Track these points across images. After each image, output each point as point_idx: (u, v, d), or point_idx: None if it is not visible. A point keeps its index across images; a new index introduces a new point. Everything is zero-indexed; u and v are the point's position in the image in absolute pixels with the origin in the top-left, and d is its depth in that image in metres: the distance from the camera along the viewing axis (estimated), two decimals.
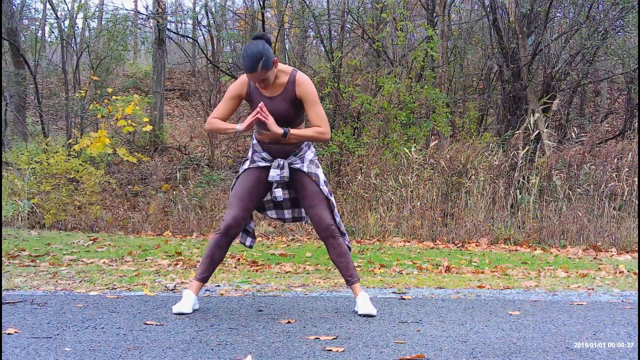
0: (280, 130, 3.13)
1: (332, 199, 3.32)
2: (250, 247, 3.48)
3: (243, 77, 3.22)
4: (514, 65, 10.11)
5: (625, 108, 12.56)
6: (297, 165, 3.26)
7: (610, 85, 14.38)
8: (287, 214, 3.46)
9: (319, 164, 3.47)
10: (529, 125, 8.45)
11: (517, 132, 8.52)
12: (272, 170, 3.22)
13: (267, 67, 3.03)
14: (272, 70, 3.07)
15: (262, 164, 3.27)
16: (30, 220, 8.33)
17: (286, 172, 3.23)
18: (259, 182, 3.28)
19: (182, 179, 9.95)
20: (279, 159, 3.24)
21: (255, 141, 3.32)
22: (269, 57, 3.02)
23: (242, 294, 3.93)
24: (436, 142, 8.80)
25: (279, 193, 3.26)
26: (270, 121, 3.12)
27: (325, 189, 3.28)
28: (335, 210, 3.32)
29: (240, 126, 3.16)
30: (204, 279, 3.25)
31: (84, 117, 10.96)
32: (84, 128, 10.99)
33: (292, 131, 3.17)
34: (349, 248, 3.35)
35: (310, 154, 3.34)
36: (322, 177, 3.31)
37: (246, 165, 3.32)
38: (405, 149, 8.36)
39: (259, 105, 3.11)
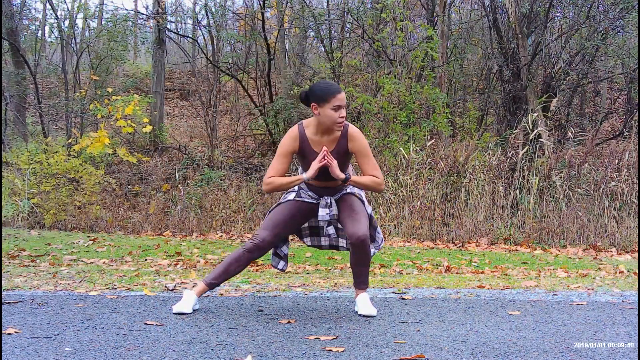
0: (342, 175, 3.15)
1: (375, 220, 3.36)
2: (283, 270, 3.49)
3: (293, 132, 3.21)
4: (514, 65, 10.11)
5: (625, 108, 12.55)
6: (341, 192, 3.31)
7: (610, 85, 14.37)
8: (324, 240, 3.49)
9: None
10: (527, 125, 8.44)
11: (515, 131, 8.52)
12: (320, 209, 3.23)
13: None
14: None
15: (308, 200, 3.30)
16: (30, 220, 8.33)
17: (335, 210, 3.26)
18: (301, 214, 3.30)
19: (181, 178, 9.94)
20: (326, 197, 3.26)
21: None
22: None
23: (242, 294, 3.93)
24: (432, 141, 8.79)
25: (331, 230, 3.29)
26: (334, 165, 3.13)
27: (368, 207, 3.32)
28: (378, 228, 3.37)
29: (306, 175, 3.16)
30: (211, 285, 3.23)
31: (84, 117, 10.95)
32: (84, 128, 10.99)
33: (353, 178, 3.20)
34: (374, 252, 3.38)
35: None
36: (365, 200, 3.34)
37: (291, 196, 3.31)
38: (402, 149, 8.35)
39: (324, 149, 3.12)
